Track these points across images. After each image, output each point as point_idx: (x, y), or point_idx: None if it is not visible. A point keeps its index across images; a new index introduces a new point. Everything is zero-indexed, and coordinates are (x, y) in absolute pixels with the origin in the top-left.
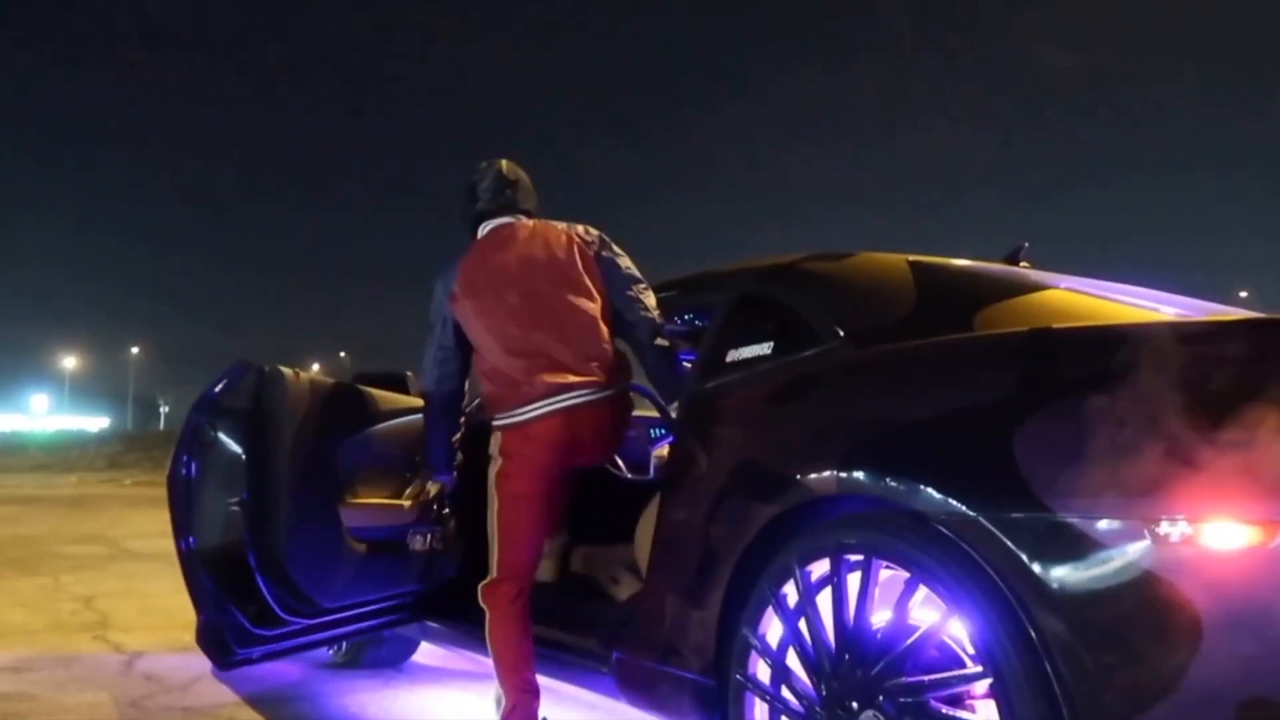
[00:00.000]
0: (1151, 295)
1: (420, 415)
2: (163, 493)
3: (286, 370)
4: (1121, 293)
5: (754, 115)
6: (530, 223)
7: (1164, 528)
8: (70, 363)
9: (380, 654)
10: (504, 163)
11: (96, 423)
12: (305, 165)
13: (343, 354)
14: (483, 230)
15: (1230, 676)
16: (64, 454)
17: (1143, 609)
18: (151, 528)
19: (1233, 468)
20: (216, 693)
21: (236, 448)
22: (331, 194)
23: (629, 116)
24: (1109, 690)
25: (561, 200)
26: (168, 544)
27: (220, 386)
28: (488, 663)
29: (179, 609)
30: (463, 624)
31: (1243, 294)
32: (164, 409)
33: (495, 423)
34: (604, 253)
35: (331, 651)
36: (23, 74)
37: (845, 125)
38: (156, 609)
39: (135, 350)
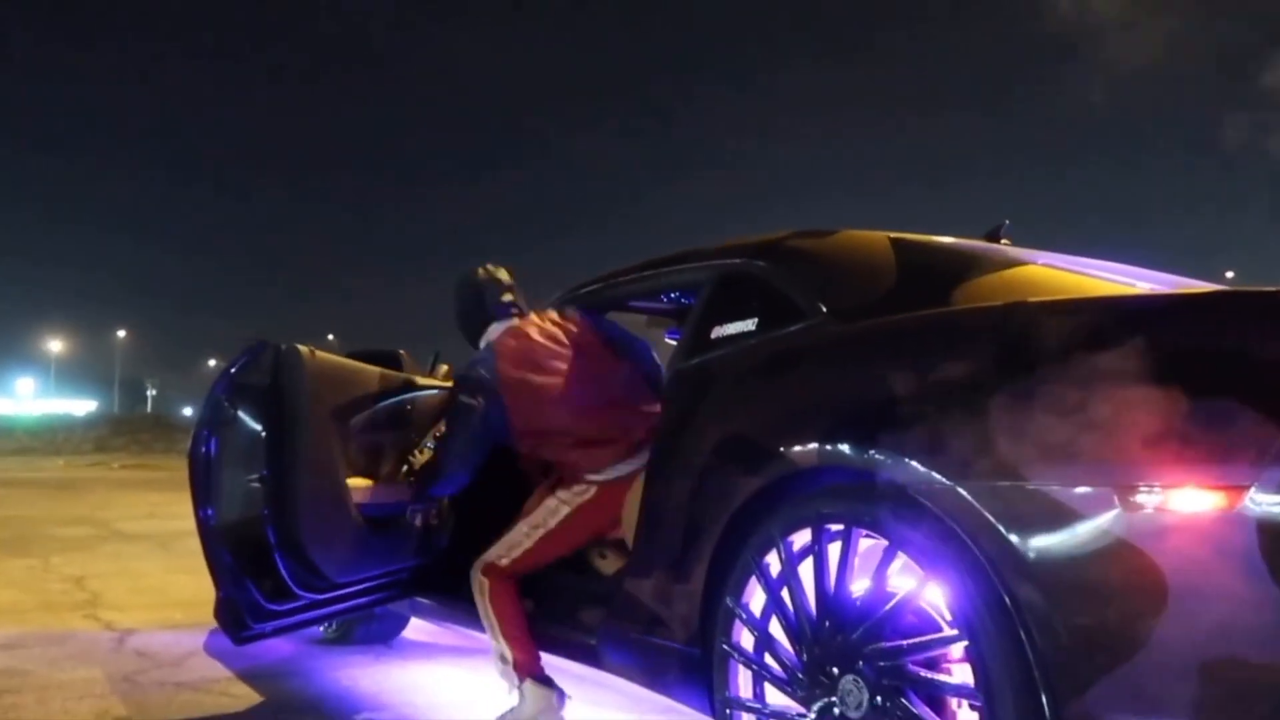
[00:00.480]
0: (1125, 270)
1: (425, 393)
2: (150, 475)
3: (303, 348)
4: (1096, 268)
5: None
6: (533, 316)
7: (1133, 494)
8: (56, 346)
9: (371, 630)
10: (503, 270)
11: (83, 406)
12: (293, 154)
13: (330, 336)
14: (497, 330)
15: (1196, 637)
16: (50, 438)
17: (1112, 573)
18: (140, 509)
19: (1198, 435)
20: (208, 668)
21: (255, 425)
22: (319, 182)
23: (619, 106)
24: (1080, 652)
25: (562, 191)
26: (157, 525)
27: (239, 364)
28: (479, 638)
29: (170, 588)
30: (454, 599)
31: (1229, 274)
32: (151, 392)
33: (594, 477)
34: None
35: (323, 628)
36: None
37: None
38: (147, 588)
39: (121, 334)
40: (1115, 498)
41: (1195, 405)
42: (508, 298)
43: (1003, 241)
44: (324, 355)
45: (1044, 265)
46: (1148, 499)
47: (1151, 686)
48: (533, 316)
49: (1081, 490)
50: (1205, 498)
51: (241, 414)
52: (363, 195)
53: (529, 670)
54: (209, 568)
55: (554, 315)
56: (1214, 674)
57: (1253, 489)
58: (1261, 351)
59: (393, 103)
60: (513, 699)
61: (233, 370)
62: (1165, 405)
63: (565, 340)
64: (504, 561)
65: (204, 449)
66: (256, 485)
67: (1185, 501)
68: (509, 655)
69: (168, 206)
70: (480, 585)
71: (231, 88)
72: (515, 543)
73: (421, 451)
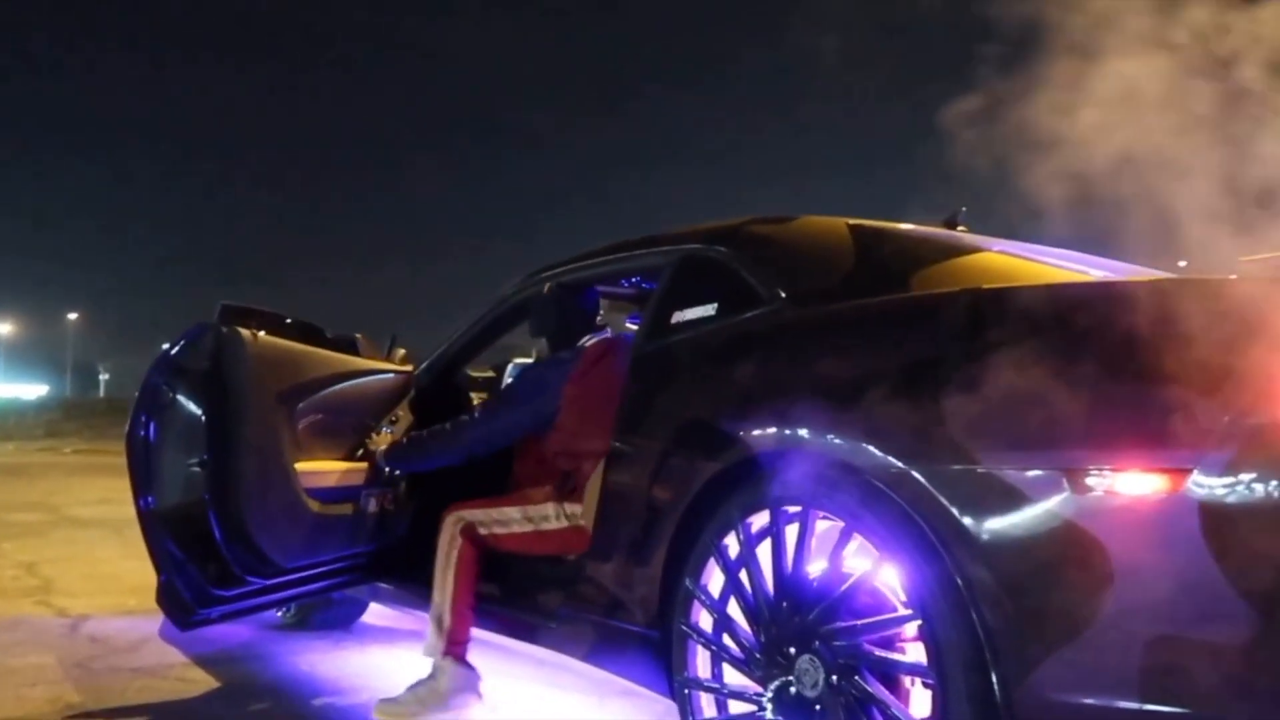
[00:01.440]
0: (1077, 258)
1: (375, 376)
2: (103, 460)
3: (244, 331)
4: (1049, 255)
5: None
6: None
7: (1080, 477)
8: (5, 329)
9: (329, 615)
10: None
11: (34, 390)
12: (253, 139)
13: (288, 320)
14: (591, 339)
15: (1142, 616)
16: (0, 422)
17: (1061, 554)
18: (93, 495)
19: (1143, 420)
20: (164, 654)
21: (195, 408)
22: (274, 171)
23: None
24: (1028, 631)
25: (539, 178)
26: (109, 511)
27: (178, 347)
28: None
29: (124, 574)
30: (413, 584)
31: (1181, 263)
32: (104, 377)
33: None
34: None
35: (280, 613)
36: None
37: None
38: (101, 574)
39: (73, 317)
40: (1064, 481)
41: (1141, 391)
42: (600, 315)
43: (959, 228)
44: (268, 338)
45: (999, 252)
46: (1095, 482)
47: (1099, 665)
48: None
49: (1031, 473)
50: (1150, 480)
51: (181, 398)
52: (324, 183)
53: (457, 649)
54: (150, 553)
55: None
56: (1159, 652)
57: (1195, 472)
58: (1205, 338)
59: (359, 93)
60: (425, 670)
61: (171, 353)
62: (1112, 391)
63: (621, 364)
64: (484, 531)
65: (142, 434)
66: (198, 470)
67: (1130, 484)
68: (447, 622)
69: (122, 189)
70: (452, 540)
71: (187, 74)
72: (504, 521)
73: (379, 434)
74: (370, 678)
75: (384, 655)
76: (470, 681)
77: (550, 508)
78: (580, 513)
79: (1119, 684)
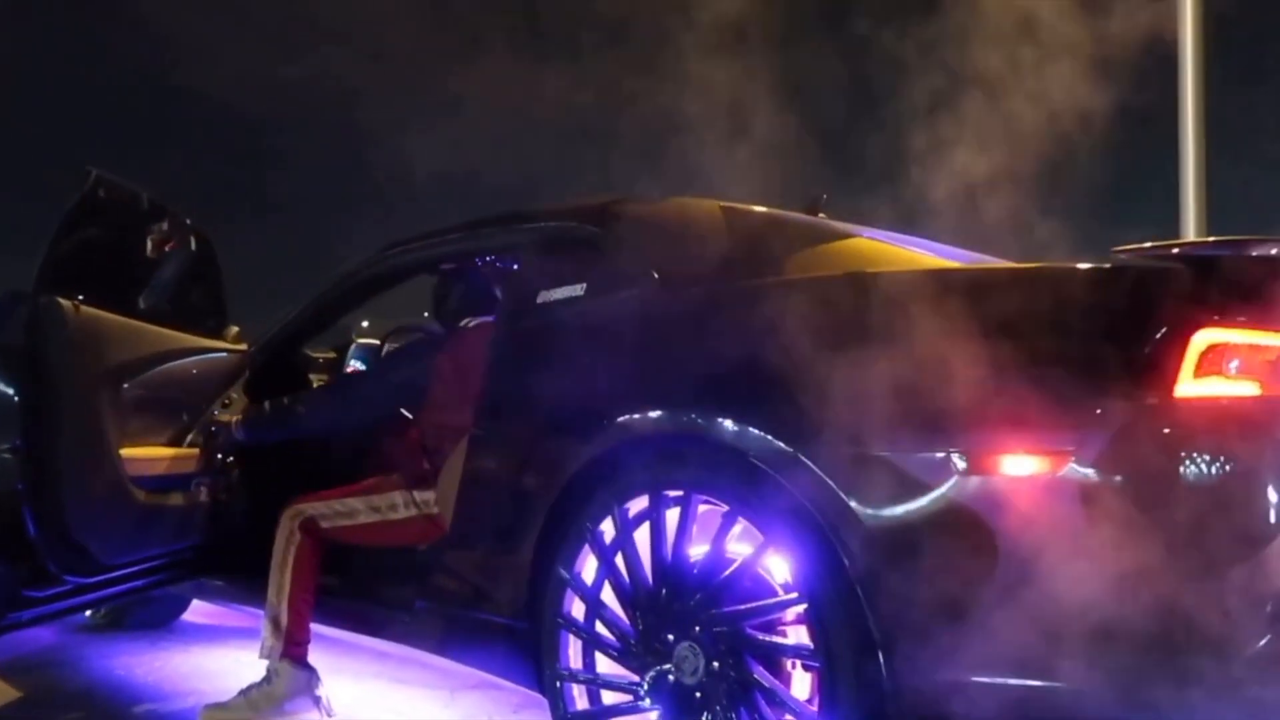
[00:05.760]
0: (931, 246)
1: (207, 355)
2: None
3: (64, 302)
4: (910, 243)
5: None
6: None
7: (964, 460)
8: None
9: (146, 614)
10: None
11: None
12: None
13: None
14: (474, 322)
15: (1025, 598)
16: None
17: (945, 536)
18: None
19: (1026, 404)
20: None
21: (5, 388)
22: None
23: None
24: (914, 613)
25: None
26: None
27: None
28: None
29: None
30: (246, 580)
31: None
32: None
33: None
34: None
35: (89, 613)
36: None
37: None
38: None
39: None
40: (948, 463)
41: (1024, 375)
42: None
43: (820, 215)
44: (91, 311)
45: (870, 238)
46: (979, 464)
47: (983, 645)
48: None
49: (916, 456)
50: (1033, 463)
51: None
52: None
53: (296, 651)
54: None
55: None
56: (1044, 629)
57: (1076, 454)
58: (1084, 324)
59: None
60: (259, 674)
61: None
62: (996, 375)
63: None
64: (326, 524)
65: None
66: (9, 458)
67: (1014, 467)
68: (284, 622)
69: None
70: (290, 537)
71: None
72: (348, 513)
73: (218, 415)
74: (195, 680)
75: (209, 656)
76: (309, 684)
77: (398, 496)
78: (433, 500)
79: (1005, 662)
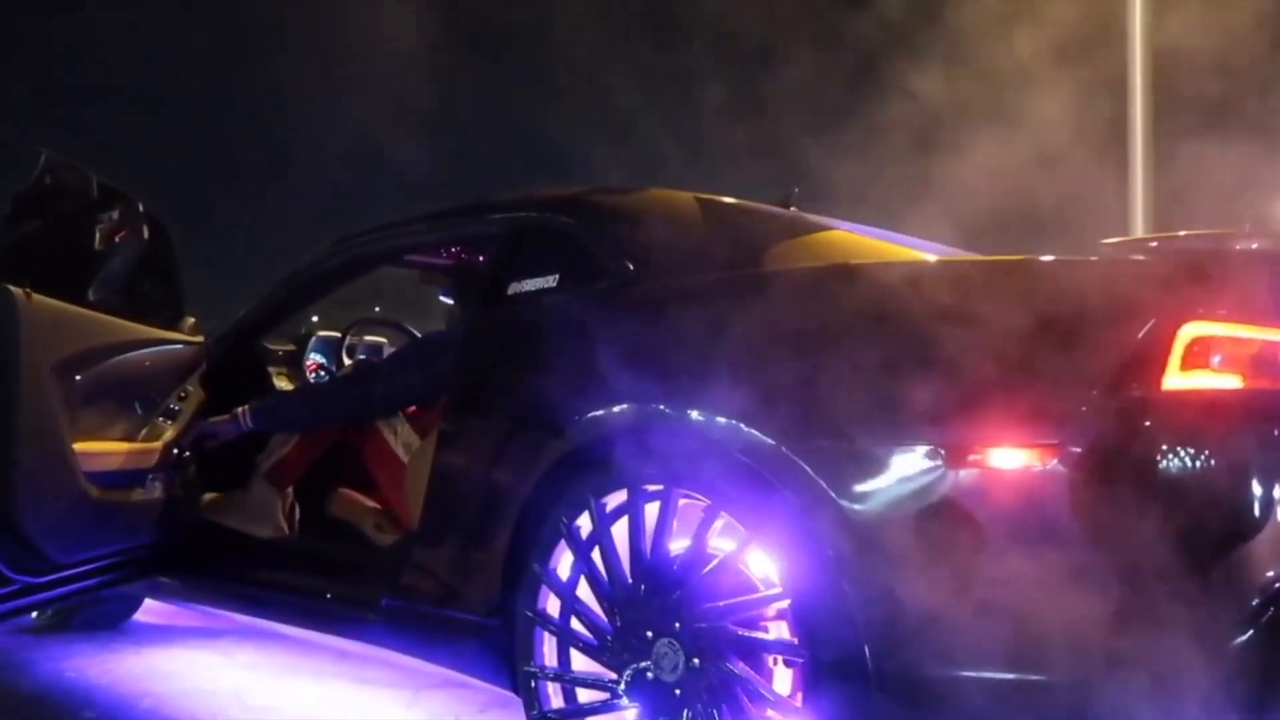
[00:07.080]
0: (904, 239)
1: (163, 347)
2: None
3: (16, 290)
4: (886, 236)
5: None
6: None
7: (950, 453)
8: None
9: (95, 614)
10: None
11: None
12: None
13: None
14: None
15: (1012, 591)
16: None
17: (931, 529)
18: None
19: (1012, 396)
20: None
21: None
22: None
23: None
24: (900, 606)
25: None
26: None
27: None
28: (231, 618)
29: None
30: (201, 577)
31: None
32: None
33: None
34: None
35: (35, 614)
36: None
37: None
38: None
39: None
40: (934, 456)
41: (1009, 368)
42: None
43: (791, 209)
44: (42, 299)
45: (846, 231)
46: (964, 458)
47: (970, 639)
48: None
49: (901, 449)
50: (1019, 456)
51: None
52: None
53: None
54: None
55: None
56: (1030, 623)
57: (1062, 447)
58: (1070, 317)
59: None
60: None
61: None
62: (981, 368)
63: None
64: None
65: None
66: None
67: (1000, 460)
68: None
69: None
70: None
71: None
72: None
73: (180, 402)
74: (149, 682)
75: (163, 656)
76: None
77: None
78: (414, 445)
79: (991, 656)
